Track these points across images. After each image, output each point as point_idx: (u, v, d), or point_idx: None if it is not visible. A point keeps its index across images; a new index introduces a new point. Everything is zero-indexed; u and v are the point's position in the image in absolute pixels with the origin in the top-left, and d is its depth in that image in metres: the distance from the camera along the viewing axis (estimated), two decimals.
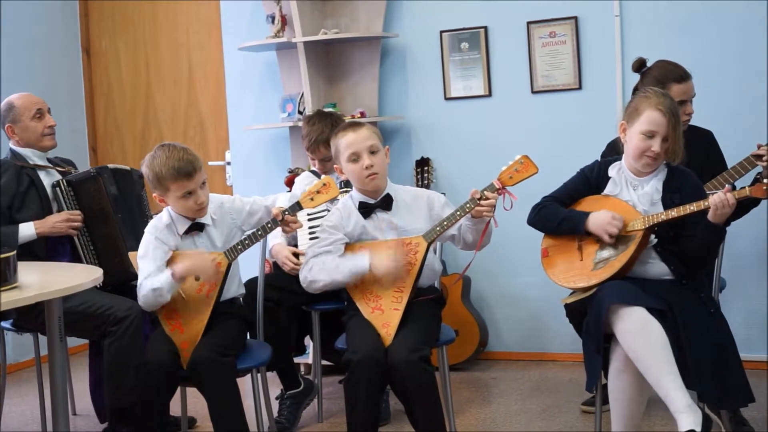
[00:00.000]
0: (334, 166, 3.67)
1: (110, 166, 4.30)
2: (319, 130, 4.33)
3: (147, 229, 3.60)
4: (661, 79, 3.89)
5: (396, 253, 3.47)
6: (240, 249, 3.51)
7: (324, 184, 3.51)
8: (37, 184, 4.12)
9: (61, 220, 4.05)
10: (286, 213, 3.48)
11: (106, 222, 4.13)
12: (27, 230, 4.00)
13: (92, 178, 4.15)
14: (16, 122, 4.17)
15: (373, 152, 3.58)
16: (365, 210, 3.62)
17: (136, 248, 3.63)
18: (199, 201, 3.50)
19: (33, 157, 4.19)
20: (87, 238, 4.12)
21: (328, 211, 4.02)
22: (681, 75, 3.93)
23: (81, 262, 4.10)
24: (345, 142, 3.58)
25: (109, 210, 4.13)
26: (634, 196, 3.43)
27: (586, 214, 3.43)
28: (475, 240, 3.53)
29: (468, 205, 3.43)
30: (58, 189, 4.11)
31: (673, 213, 3.28)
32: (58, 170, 4.24)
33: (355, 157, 3.56)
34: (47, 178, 4.18)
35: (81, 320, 3.83)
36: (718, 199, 3.17)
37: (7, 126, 4.18)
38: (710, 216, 3.21)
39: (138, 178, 4.34)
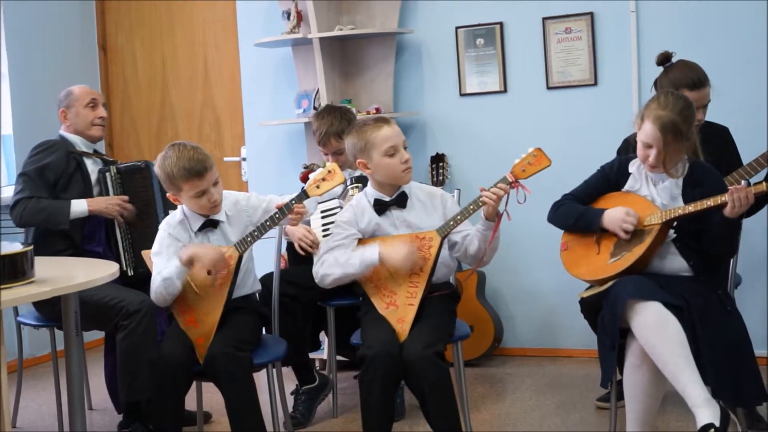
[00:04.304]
0: (358, 161, 3.63)
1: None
2: (329, 123, 4.35)
3: (161, 226, 3.62)
4: (675, 83, 3.83)
5: (408, 244, 3.48)
6: (250, 240, 3.52)
7: (329, 171, 3.51)
8: (83, 169, 4.20)
9: (114, 203, 4.11)
10: (293, 201, 3.49)
11: (149, 214, 4.18)
12: (79, 207, 4.04)
13: (142, 170, 4.22)
14: (70, 107, 4.27)
15: (405, 147, 3.60)
16: (380, 207, 3.62)
17: None
18: (212, 199, 3.51)
19: (81, 144, 4.27)
20: (125, 228, 4.16)
21: (341, 208, 4.03)
22: (694, 82, 3.83)
23: (115, 250, 4.13)
24: (382, 136, 3.57)
25: (153, 203, 4.20)
26: (654, 191, 3.42)
27: (602, 211, 3.43)
28: (480, 249, 3.52)
29: (481, 199, 3.44)
30: (107, 174, 4.17)
31: (690, 208, 3.27)
32: (105, 159, 4.32)
33: (393, 151, 3.56)
34: (92, 166, 4.25)
35: (94, 312, 3.79)
36: (736, 194, 3.16)
37: (62, 110, 4.28)
38: (727, 211, 3.20)
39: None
